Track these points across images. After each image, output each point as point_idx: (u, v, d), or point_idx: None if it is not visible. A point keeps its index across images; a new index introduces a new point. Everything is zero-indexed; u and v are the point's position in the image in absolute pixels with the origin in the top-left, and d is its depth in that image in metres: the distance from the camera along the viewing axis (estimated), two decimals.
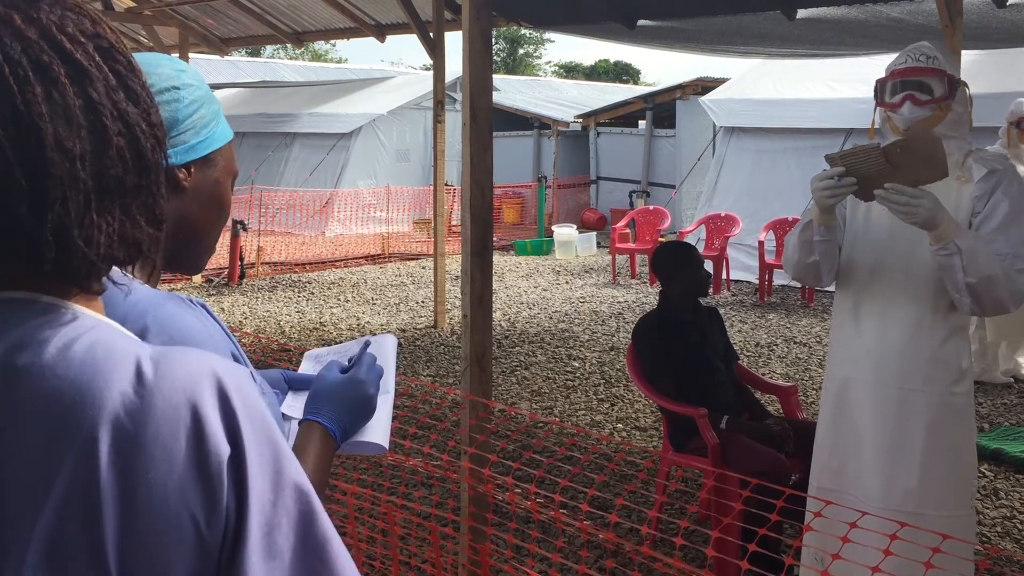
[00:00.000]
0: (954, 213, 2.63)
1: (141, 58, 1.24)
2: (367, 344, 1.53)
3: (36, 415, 0.77)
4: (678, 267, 4.01)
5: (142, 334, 1.12)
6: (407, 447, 3.29)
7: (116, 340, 0.83)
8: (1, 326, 0.82)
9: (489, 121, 3.38)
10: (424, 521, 3.79)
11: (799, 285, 10.08)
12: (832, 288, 2.92)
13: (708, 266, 10.77)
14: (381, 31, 9.65)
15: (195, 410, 0.79)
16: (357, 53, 70.57)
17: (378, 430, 1.45)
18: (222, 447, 0.79)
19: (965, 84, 2.75)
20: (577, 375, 6.93)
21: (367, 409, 1.43)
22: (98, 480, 0.75)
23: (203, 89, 1.29)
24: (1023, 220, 2.62)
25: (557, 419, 5.80)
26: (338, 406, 1.39)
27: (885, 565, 2.05)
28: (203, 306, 1.23)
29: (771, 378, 6.73)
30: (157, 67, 1.25)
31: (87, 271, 0.82)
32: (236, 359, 1.20)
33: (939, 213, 2.49)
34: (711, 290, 10.53)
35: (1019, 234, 2.60)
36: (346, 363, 1.48)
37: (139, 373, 0.79)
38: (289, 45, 11.65)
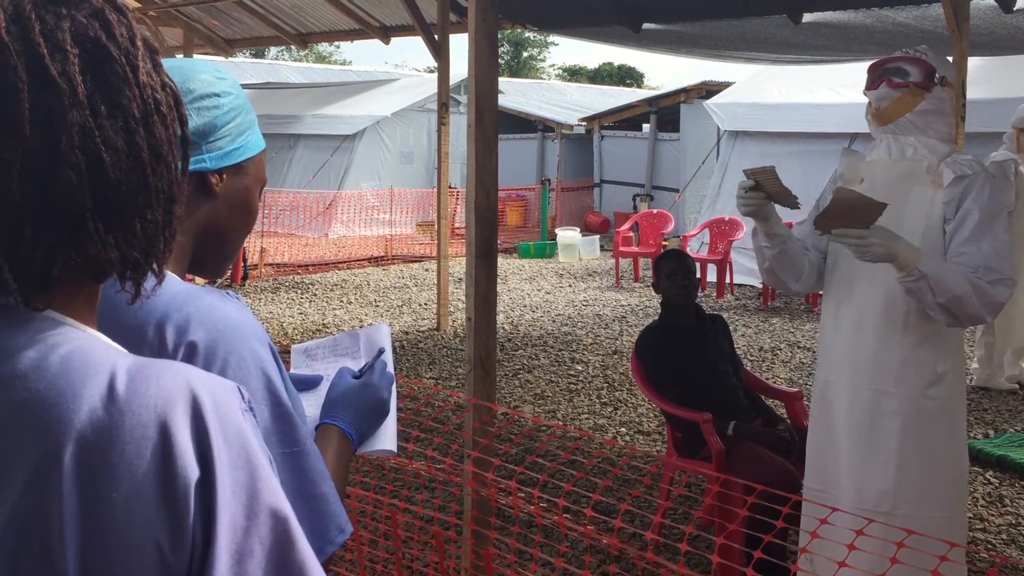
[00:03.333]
0: (926, 219, 2.68)
1: (184, 64, 1.25)
2: (358, 337, 1.54)
3: (3, 427, 0.75)
4: (659, 276, 4.00)
5: (185, 324, 1.13)
6: (410, 450, 3.27)
7: (94, 351, 0.81)
8: None
9: (495, 123, 3.37)
10: (427, 525, 3.78)
11: None
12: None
13: (712, 272, 10.76)
14: (386, 33, 9.64)
15: (164, 428, 0.76)
16: (361, 55, 70.77)
17: (389, 434, 1.48)
18: (190, 469, 0.76)
19: (950, 85, 2.77)
20: (580, 378, 6.91)
21: (382, 413, 1.47)
22: (60, 498, 0.73)
23: (241, 98, 1.30)
24: (995, 229, 2.61)
25: (560, 423, 5.79)
26: (355, 410, 1.42)
27: (865, 564, 2.07)
28: (237, 299, 1.25)
29: (775, 383, 6.72)
30: (199, 73, 1.26)
31: (6, 284, 0.79)
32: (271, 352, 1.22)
33: (893, 246, 2.52)
34: (715, 295, 10.51)
35: (991, 244, 2.59)
36: (350, 363, 1.50)
37: (111, 387, 0.77)
38: (293, 47, 11.65)
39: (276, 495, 0.81)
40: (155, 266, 0.86)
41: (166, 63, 1.21)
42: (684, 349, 3.91)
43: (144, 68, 0.84)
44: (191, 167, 1.15)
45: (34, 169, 0.76)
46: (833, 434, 2.84)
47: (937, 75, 2.73)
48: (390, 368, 1.52)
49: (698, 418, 3.67)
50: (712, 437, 3.63)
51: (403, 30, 9.39)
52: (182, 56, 11.28)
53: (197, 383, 0.80)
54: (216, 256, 1.31)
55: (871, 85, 2.82)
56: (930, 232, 2.68)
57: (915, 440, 2.71)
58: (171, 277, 1.17)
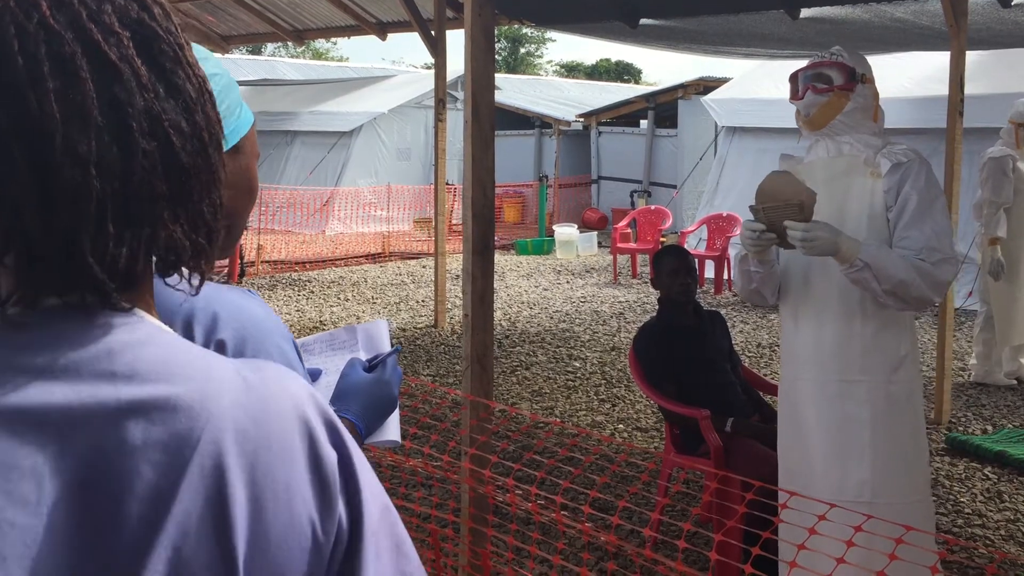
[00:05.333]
0: (869, 209, 2.77)
1: None
2: (356, 331, 1.55)
3: (141, 428, 0.72)
4: (659, 273, 3.99)
5: (213, 323, 1.14)
6: (407, 447, 3.26)
7: (191, 347, 0.79)
8: (69, 335, 0.75)
9: (491, 119, 3.35)
10: (424, 523, 3.76)
11: None
12: None
13: (710, 268, 10.74)
14: (383, 29, 9.62)
15: (302, 413, 0.78)
16: (358, 52, 70.57)
17: (393, 424, 1.52)
18: (330, 450, 0.79)
19: (870, 80, 2.86)
20: (578, 375, 6.90)
21: (390, 408, 1.50)
22: (227, 486, 0.72)
23: (226, 76, 1.26)
24: (934, 211, 2.72)
25: (558, 419, 5.78)
26: (364, 404, 1.44)
27: (855, 559, 2.09)
28: (256, 295, 1.26)
29: (773, 379, 6.71)
30: None
31: (103, 283, 0.74)
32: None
33: (836, 238, 2.62)
34: (713, 291, 10.51)
35: (931, 226, 2.70)
36: (363, 359, 1.52)
37: (243, 379, 0.77)
38: (290, 44, 11.62)
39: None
40: (214, 253, 0.84)
41: None
42: (682, 346, 3.90)
43: (187, 47, 0.81)
44: None
45: (109, 161, 0.72)
46: (803, 432, 2.87)
47: (857, 73, 2.82)
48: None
49: (696, 414, 3.66)
50: (710, 434, 3.62)
51: (400, 26, 9.37)
52: None
53: (299, 377, 0.83)
54: (226, 239, 1.28)
55: (796, 95, 2.91)
56: (874, 221, 2.77)
57: (885, 426, 2.77)
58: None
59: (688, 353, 3.88)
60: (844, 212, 2.77)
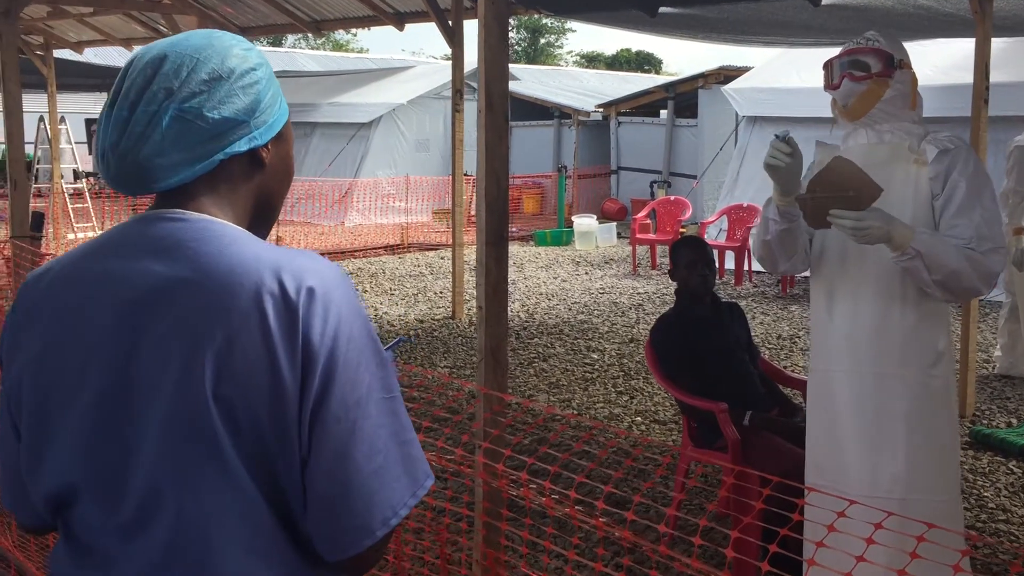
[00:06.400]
0: (913, 197, 2.66)
1: (213, 40, 1.25)
2: None
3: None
4: (677, 264, 3.93)
5: (300, 273, 1.20)
6: (421, 440, 3.22)
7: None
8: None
9: (505, 109, 3.30)
10: (439, 516, 3.74)
11: None
12: None
13: (730, 259, 10.66)
14: (400, 19, 9.57)
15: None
16: (378, 43, 70.60)
17: None
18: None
19: (908, 66, 2.75)
20: (596, 367, 6.85)
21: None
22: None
23: (269, 67, 1.31)
24: (983, 199, 2.61)
25: (575, 412, 5.73)
26: None
27: (883, 559, 2.02)
28: None
29: (793, 371, 6.64)
30: (231, 48, 1.26)
31: None
32: None
33: (890, 227, 2.50)
34: (733, 282, 10.42)
35: (981, 214, 2.59)
36: None
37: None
38: (311, 36, 11.59)
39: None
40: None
41: (197, 36, 1.25)
42: (700, 338, 3.84)
43: None
44: (246, 147, 1.23)
45: None
46: (835, 425, 2.77)
47: (895, 59, 2.71)
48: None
49: (714, 408, 3.61)
50: (728, 427, 3.57)
51: (417, 16, 9.31)
52: None
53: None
54: (266, 221, 1.34)
55: (832, 83, 2.79)
56: (919, 210, 2.66)
57: (921, 422, 2.68)
58: (258, 239, 1.23)
59: (706, 345, 3.83)
60: (887, 201, 2.61)
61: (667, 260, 10.59)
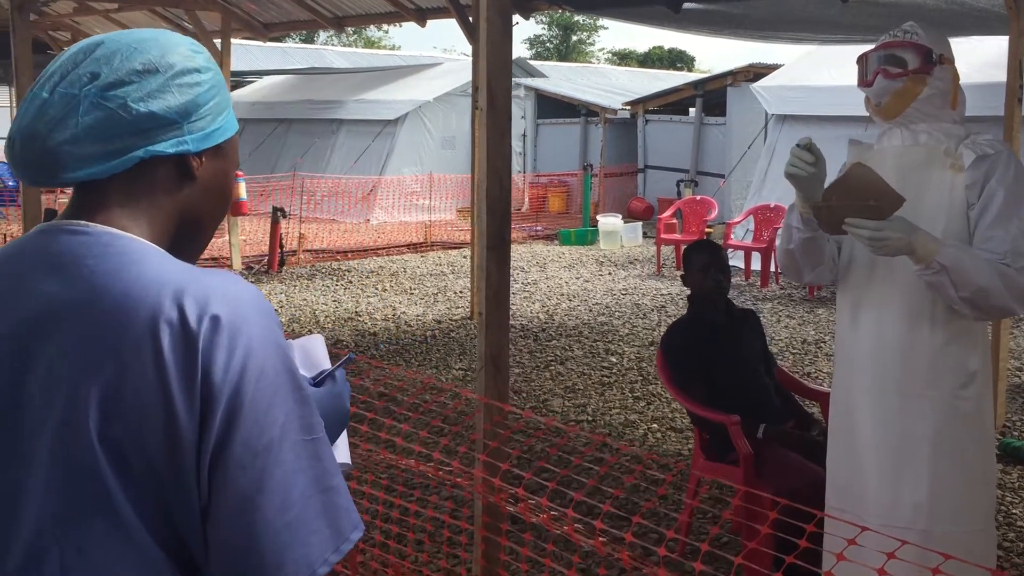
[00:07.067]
0: (947, 206, 2.45)
1: (159, 36, 1.14)
2: (291, 348, 1.42)
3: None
4: (690, 269, 3.77)
5: (205, 297, 1.12)
6: (416, 451, 3.10)
7: None
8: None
9: (508, 106, 3.17)
10: (439, 529, 3.61)
11: None
12: None
13: (756, 260, 10.45)
14: (421, 15, 9.47)
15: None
16: (410, 40, 70.69)
17: (342, 445, 1.39)
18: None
19: (949, 61, 2.51)
20: (614, 371, 6.70)
21: (343, 423, 1.37)
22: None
23: (220, 74, 1.20)
24: (1022, 210, 2.38)
25: (588, 418, 5.59)
26: None
27: None
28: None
29: (818, 379, 6.44)
30: (176, 46, 1.14)
31: None
32: None
33: (912, 238, 2.30)
34: (759, 283, 10.22)
35: (1019, 227, 2.37)
36: (308, 376, 1.37)
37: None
38: (342, 34, 11.52)
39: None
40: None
41: (148, 31, 1.13)
42: (713, 346, 3.69)
43: None
44: (172, 150, 1.11)
45: None
46: (857, 447, 2.58)
47: (935, 54, 2.48)
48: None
49: (725, 420, 3.45)
50: (740, 441, 3.41)
51: (439, 12, 9.22)
52: (220, 41, 11.22)
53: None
54: (192, 244, 1.22)
55: (865, 80, 2.58)
56: (953, 219, 2.45)
57: (948, 447, 2.47)
58: (168, 255, 1.09)
59: (719, 353, 3.67)
60: (919, 208, 2.43)
61: None
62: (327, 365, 1.40)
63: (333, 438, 1.32)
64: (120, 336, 0.98)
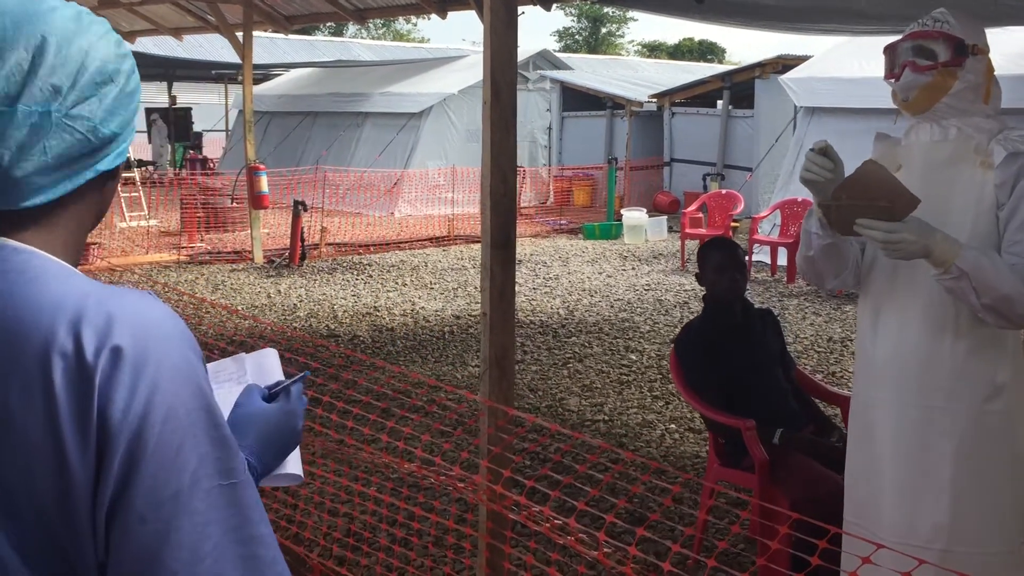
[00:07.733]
0: (976, 205, 2.30)
1: (81, 13, 1.01)
2: (244, 361, 1.34)
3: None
4: (705, 268, 3.63)
5: (107, 326, 1.02)
6: (418, 455, 3.01)
7: None
8: None
9: (513, 99, 3.07)
10: (443, 535, 3.52)
11: None
12: None
13: (783, 255, 10.27)
14: (442, 7, 9.35)
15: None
16: (439, 33, 70.62)
17: (294, 457, 1.31)
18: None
19: (983, 51, 2.35)
20: (633, 369, 6.57)
21: (294, 442, 1.28)
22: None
23: (136, 72, 1.07)
24: None
25: (606, 417, 5.47)
26: (263, 437, 1.23)
27: None
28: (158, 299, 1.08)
29: (843, 378, 6.28)
30: (110, 33, 1.03)
31: None
32: None
33: (928, 241, 2.17)
34: (785, 279, 10.04)
35: None
36: (263, 388, 1.29)
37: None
38: (371, 25, 11.43)
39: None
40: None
41: (67, 8, 0.98)
42: (728, 348, 3.56)
43: None
44: (110, 165, 1.02)
45: None
46: (875, 461, 2.44)
47: (967, 45, 2.32)
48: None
49: (740, 424, 3.33)
50: (755, 446, 3.28)
51: (459, 4, 9.08)
52: (241, 34, 11.19)
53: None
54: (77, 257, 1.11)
55: (892, 72, 2.43)
56: (981, 220, 2.30)
57: (971, 463, 2.32)
58: (75, 272, 0.97)
59: (734, 355, 3.54)
60: (946, 208, 2.30)
61: None
62: (279, 379, 1.32)
63: (279, 457, 1.25)
64: (8, 371, 0.87)
